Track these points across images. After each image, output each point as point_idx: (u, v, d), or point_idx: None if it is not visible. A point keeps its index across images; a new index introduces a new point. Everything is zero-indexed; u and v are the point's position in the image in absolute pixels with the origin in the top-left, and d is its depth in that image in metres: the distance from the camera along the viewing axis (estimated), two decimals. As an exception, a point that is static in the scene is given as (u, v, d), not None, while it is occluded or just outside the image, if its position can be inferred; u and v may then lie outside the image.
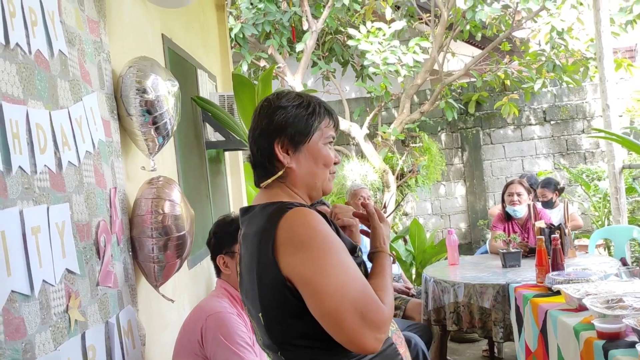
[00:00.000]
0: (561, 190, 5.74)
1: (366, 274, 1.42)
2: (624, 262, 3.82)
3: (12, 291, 1.26)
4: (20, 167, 1.36)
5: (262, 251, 1.31)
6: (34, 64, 1.50)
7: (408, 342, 3.25)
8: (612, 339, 2.01)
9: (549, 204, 5.41)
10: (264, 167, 1.42)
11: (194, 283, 2.99)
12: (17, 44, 1.42)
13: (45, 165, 1.49)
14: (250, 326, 2.14)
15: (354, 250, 1.39)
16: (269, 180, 1.42)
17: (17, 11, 1.44)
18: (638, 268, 2.87)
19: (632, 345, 1.90)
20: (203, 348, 2.06)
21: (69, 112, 1.67)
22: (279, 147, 1.39)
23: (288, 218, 1.29)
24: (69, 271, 1.54)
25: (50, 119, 1.55)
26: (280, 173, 1.39)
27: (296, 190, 1.42)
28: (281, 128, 1.39)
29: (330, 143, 1.45)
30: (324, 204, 3.88)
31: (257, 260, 1.32)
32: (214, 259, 2.33)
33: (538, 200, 5.41)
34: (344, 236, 1.40)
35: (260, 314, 1.37)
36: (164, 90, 2.13)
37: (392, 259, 1.48)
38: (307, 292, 1.26)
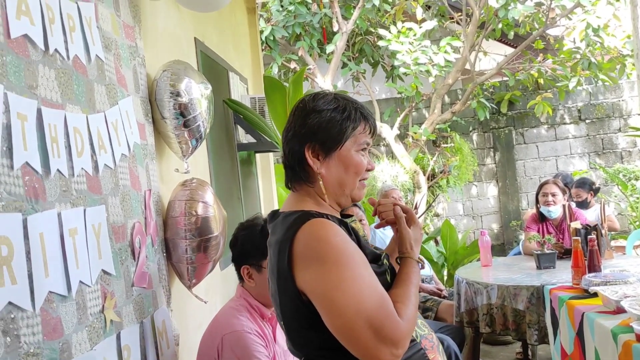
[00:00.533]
0: (596, 191, 5.61)
1: (392, 281, 1.39)
2: (663, 264, 3.72)
3: (50, 292, 1.29)
4: (58, 170, 1.40)
5: (280, 262, 1.31)
6: (72, 69, 1.53)
7: (440, 344, 3.23)
8: (652, 343, 1.96)
9: (583, 204, 5.30)
10: (293, 169, 1.40)
11: (226, 284, 3.02)
12: (56, 50, 1.45)
13: (82, 168, 1.52)
14: (269, 340, 2.11)
15: (377, 258, 1.36)
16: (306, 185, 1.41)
17: (56, 17, 1.47)
18: (678, 270, 2.80)
19: (673, 349, 1.85)
20: None
21: (105, 116, 1.70)
22: (310, 152, 1.36)
23: (304, 230, 1.27)
24: (104, 272, 1.57)
25: (87, 123, 1.59)
26: (320, 182, 1.37)
27: (324, 197, 1.39)
28: (313, 132, 1.36)
29: (364, 150, 1.40)
30: (356, 205, 3.89)
31: (277, 270, 1.32)
32: (238, 267, 2.21)
33: (572, 201, 5.30)
34: (365, 246, 1.36)
35: (282, 322, 1.38)
36: (197, 93, 2.15)
37: (420, 264, 1.43)
38: (321, 307, 1.25)
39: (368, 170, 1.42)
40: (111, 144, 1.72)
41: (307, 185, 1.39)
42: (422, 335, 1.39)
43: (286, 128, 1.42)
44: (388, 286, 1.34)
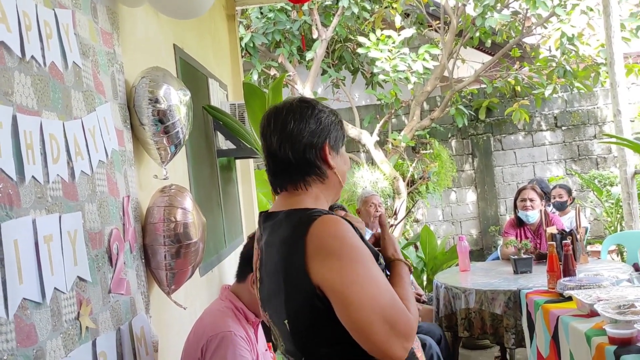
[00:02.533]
0: (573, 198, 5.71)
1: None
2: (636, 268, 3.80)
3: (24, 298, 1.28)
4: (33, 176, 1.39)
5: (290, 260, 1.32)
6: (48, 76, 1.53)
7: (423, 344, 3.25)
8: (624, 345, 2.00)
9: (563, 205, 5.37)
10: (310, 166, 1.41)
11: (206, 290, 3.01)
12: (32, 57, 1.45)
13: (58, 174, 1.52)
14: (254, 343, 2.12)
15: (377, 257, 1.41)
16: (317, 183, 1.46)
17: (33, 24, 1.47)
18: (650, 274, 2.86)
19: (643, 351, 1.89)
20: None
21: (82, 123, 1.70)
22: (328, 147, 1.43)
23: (317, 227, 1.30)
24: (80, 279, 1.56)
25: (64, 129, 1.58)
26: (337, 175, 1.45)
27: (325, 192, 1.45)
28: (329, 130, 1.44)
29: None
30: (343, 209, 3.91)
31: (283, 269, 1.34)
32: (249, 270, 2.15)
33: (550, 202, 5.38)
34: (368, 244, 1.40)
35: (285, 321, 1.37)
36: (176, 99, 2.16)
37: (407, 267, 1.49)
38: (338, 302, 1.27)
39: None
40: (88, 151, 1.71)
41: (320, 181, 1.43)
42: None
43: (297, 129, 1.41)
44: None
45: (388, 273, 1.49)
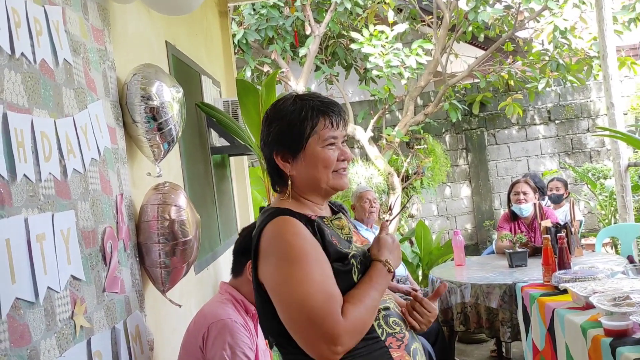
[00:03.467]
0: (568, 192, 5.73)
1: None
2: (631, 260, 3.81)
3: (17, 298, 1.27)
4: (25, 175, 1.38)
5: (252, 256, 1.43)
6: (39, 73, 1.51)
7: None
8: (620, 336, 2.01)
9: (559, 198, 5.38)
10: (271, 175, 1.51)
11: (201, 288, 3.01)
12: (22, 54, 1.43)
13: (50, 173, 1.50)
14: (253, 335, 2.15)
15: (344, 258, 1.41)
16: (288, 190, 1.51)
17: (22, 21, 1.45)
18: (645, 265, 2.86)
19: (639, 342, 1.89)
20: (204, 354, 2.06)
21: (74, 120, 1.68)
22: (279, 157, 1.46)
23: (269, 227, 1.38)
24: (74, 278, 1.55)
25: (56, 127, 1.57)
26: (289, 183, 1.47)
27: (303, 194, 1.48)
28: (277, 139, 1.45)
29: (332, 144, 1.45)
30: (342, 208, 3.91)
31: (252, 263, 1.44)
32: (245, 261, 2.22)
33: (545, 195, 5.39)
34: (330, 245, 1.41)
35: (257, 310, 1.50)
36: (169, 96, 2.14)
37: (385, 268, 1.45)
38: (273, 300, 1.37)
39: (342, 160, 1.48)
40: (80, 149, 1.70)
41: (287, 186, 1.48)
42: (389, 334, 1.42)
43: (260, 138, 1.53)
44: (352, 285, 1.40)
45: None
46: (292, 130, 1.44)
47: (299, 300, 1.30)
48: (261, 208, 1.57)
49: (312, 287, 1.31)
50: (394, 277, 1.54)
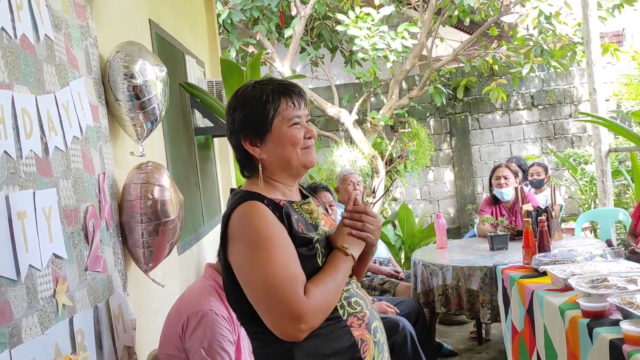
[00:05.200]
0: (549, 177, 5.79)
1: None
2: (609, 244, 3.87)
3: (-2, 275, 1.27)
4: (5, 152, 1.36)
5: (221, 237, 1.47)
6: (19, 49, 1.49)
7: (396, 326, 3.28)
8: (597, 318, 2.04)
9: (540, 183, 5.44)
10: (241, 162, 1.55)
11: (184, 268, 3.00)
12: (2, 28, 1.41)
13: (31, 150, 1.48)
14: (236, 324, 2.12)
15: (308, 242, 1.45)
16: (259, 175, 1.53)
17: (1, -5, 1.42)
18: (623, 249, 2.92)
19: (616, 323, 1.93)
20: (183, 343, 2.04)
21: (55, 97, 1.66)
22: (247, 143, 1.49)
23: (237, 211, 1.42)
24: (56, 256, 1.54)
25: (37, 104, 1.55)
26: (260, 168, 1.50)
27: (274, 177, 1.52)
28: (242, 126, 1.49)
29: (296, 124, 1.50)
30: (327, 189, 3.91)
31: (221, 245, 1.47)
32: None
33: (528, 180, 5.44)
34: (296, 230, 1.45)
35: (224, 290, 1.54)
36: (152, 75, 2.12)
37: (344, 255, 1.47)
38: (240, 281, 1.42)
39: (309, 138, 1.53)
40: (62, 126, 1.68)
41: (257, 171, 1.52)
42: (350, 313, 1.47)
43: (226, 127, 1.55)
44: (318, 269, 1.45)
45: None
46: (256, 114, 1.48)
47: (263, 281, 1.35)
48: (232, 190, 1.58)
49: (275, 268, 1.36)
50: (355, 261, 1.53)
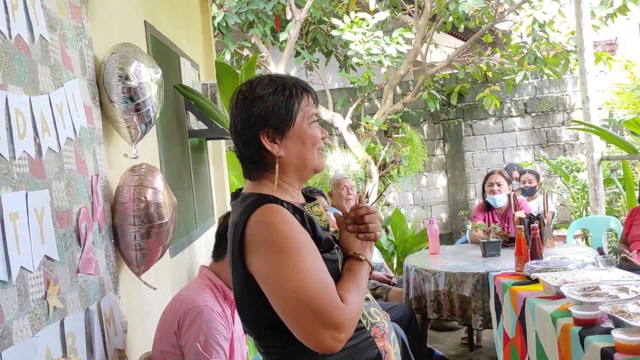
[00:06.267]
0: (540, 184, 5.81)
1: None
2: (601, 252, 3.89)
3: (-10, 277, 1.26)
4: (-2, 152, 1.35)
5: (234, 244, 1.33)
6: (14, 49, 1.48)
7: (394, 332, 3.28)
8: (589, 326, 2.05)
9: (532, 190, 5.46)
10: (252, 160, 1.39)
11: (176, 271, 2.99)
12: (-4, 28, 1.40)
13: (24, 151, 1.47)
14: (230, 322, 2.13)
15: (332, 247, 1.38)
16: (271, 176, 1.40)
17: (-3, -6, 1.42)
18: (614, 257, 2.93)
19: (607, 331, 1.94)
20: (179, 339, 2.05)
21: (49, 98, 1.65)
22: (265, 138, 1.36)
23: (255, 216, 1.30)
24: (48, 258, 1.53)
25: (30, 105, 1.53)
26: (276, 166, 1.37)
27: (284, 178, 1.40)
28: (263, 119, 1.36)
29: (314, 122, 1.42)
30: (322, 194, 3.91)
31: (231, 250, 1.36)
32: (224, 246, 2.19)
33: (523, 185, 5.46)
34: (320, 234, 1.37)
35: (235, 300, 1.41)
36: (147, 77, 2.11)
37: (359, 262, 1.40)
38: (266, 292, 1.29)
39: (322, 139, 1.43)
40: (56, 127, 1.67)
41: (269, 171, 1.39)
42: (373, 324, 1.40)
43: (233, 122, 1.41)
44: (339, 275, 1.36)
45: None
46: (279, 107, 1.36)
47: (296, 290, 1.24)
48: (236, 193, 1.47)
49: (307, 275, 1.25)
50: (372, 269, 1.49)
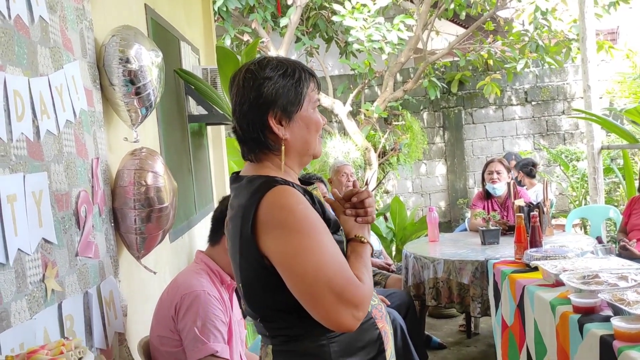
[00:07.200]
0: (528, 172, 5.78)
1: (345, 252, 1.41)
2: (599, 241, 3.89)
3: (-14, 259, 1.25)
4: (-4, 134, 1.34)
5: (243, 227, 1.31)
6: (13, 29, 1.46)
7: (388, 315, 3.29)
8: (588, 313, 2.05)
9: (531, 172, 5.45)
10: (257, 141, 1.37)
11: (176, 256, 2.99)
12: (-5, 8, 1.38)
13: (22, 133, 1.46)
14: (227, 307, 2.13)
15: (339, 228, 1.39)
16: (281, 157, 1.39)
17: (-5, -27, 1.40)
18: (613, 245, 2.93)
19: (606, 319, 1.94)
20: (176, 324, 2.05)
21: (49, 80, 1.63)
22: (273, 119, 1.35)
23: (269, 197, 1.28)
24: (46, 241, 1.52)
25: (29, 86, 1.52)
26: (282, 148, 1.36)
27: (287, 161, 1.39)
28: (272, 100, 1.34)
29: (316, 107, 1.43)
30: (321, 180, 3.90)
31: (239, 234, 1.33)
32: (222, 232, 2.17)
33: (518, 181, 5.46)
34: (329, 214, 1.38)
35: (240, 284, 1.40)
36: (148, 60, 2.09)
37: (362, 244, 1.42)
38: (283, 273, 1.28)
39: (323, 125, 1.45)
40: (55, 110, 1.66)
41: (273, 153, 1.38)
42: (373, 305, 1.42)
43: (238, 101, 1.38)
44: (345, 257, 1.36)
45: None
46: (288, 90, 1.35)
47: (315, 270, 1.24)
48: (236, 176, 1.44)
49: (326, 256, 1.26)
50: (373, 251, 1.50)
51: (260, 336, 1.48)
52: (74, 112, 1.78)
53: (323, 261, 1.25)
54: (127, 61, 2.02)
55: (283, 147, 1.37)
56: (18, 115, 1.45)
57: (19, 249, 1.38)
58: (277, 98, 1.35)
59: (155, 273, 2.31)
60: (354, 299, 1.26)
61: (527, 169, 5.66)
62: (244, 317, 2.41)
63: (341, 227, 1.42)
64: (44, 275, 1.50)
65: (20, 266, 1.39)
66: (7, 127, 1.39)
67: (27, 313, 1.40)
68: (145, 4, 2.81)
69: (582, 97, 5.78)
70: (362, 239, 1.42)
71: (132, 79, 2.04)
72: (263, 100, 1.35)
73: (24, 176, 1.44)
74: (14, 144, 1.42)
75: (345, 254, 1.37)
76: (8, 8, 1.44)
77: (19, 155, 1.44)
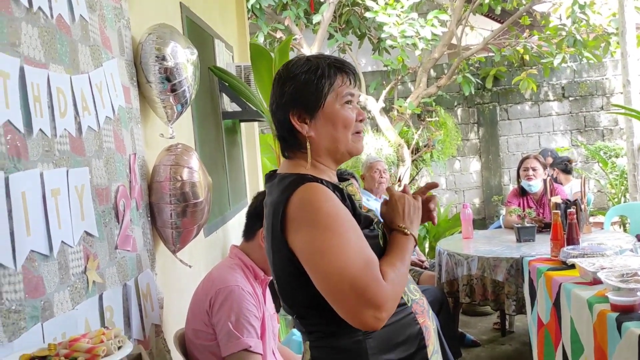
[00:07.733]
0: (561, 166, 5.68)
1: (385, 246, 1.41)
2: (639, 239, 3.80)
3: (32, 250, 1.29)
4: (41, 129, 1.38)
5: (274, 224, 1.33)
6: (55, 28, 1.51)
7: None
8: (626, 312, 2.01)
9: (566, 167, 5.35)
10: (285, 139, 1.42)
11: (210, 251, 3.03)
12: (39, 8, 1.43)
13: (65, 129, 1.51)
14: (261, 302, 2.15)
15: (370, 223, 1.39)
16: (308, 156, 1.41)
17: (39, -26, 1.44)
18: (654, 244, 2.86)
19: (645, 318, 1.90)
20: (211, 318, 2.07)
21: (89, 77, 1.68)
22: (295, 118, 1.37)
23: (297, 194, 1.30)
24: (87, 234, 1.57)
25: (71, 84, 1.57)
26: (308, 147, 1.38)
27: (319, 159, 1.41)
28: (293, 99, 1.37)
29: (349, 102, 1.40)
30: (353, 176, 3.90)
31: (271, 231, 1.35)
32: (258, 225, 2.18)
33: (554, 178, 5.36)
34: (360, 212, 1.38)
35: (274, 280, 1.42)
36: (183, 58, 2.13)
37: (404, 236, 1.40)
38: (309, 270, 1.29)
39: (360, 121, 1.42)
40: (95, 106, 1.70)
41: (302, 151, 1.40)
42: (413, 300, 1.41)
43: (270, 102, 1.44)
44: (381, 251, 1.37)
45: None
46: (309, 88, 1.36)
47: (339, 268, 1.24)
48: (271, 174, 1.48)
49: (350, 253, 1.26)
50: (416, 243, 1.49)
51: (292, 330, 1.49)
52: (113, 109, 1.83)
53: (349, 259, 1.25)
54: (163, 59, 2.07)
55: (308, 145, 1.38)
56: (61, 111, 1.49)
57: (62, 242, 1.42)
58: (297, 96, 1.37)
59: (190, 267, 2.35)
60: (375, 299, 1.24)
61: (562, 164, 5.56)
62: (277, 311, 2.43)
63: (375, 220, 1.42)
64: (85, 267, 1.54)
65: (64, 258, 1.43)
66: (52, 123, 1.44)
67: (69, 304, 1.44)
68: (180, 3, 2.86)
69: (621, 93, 5.64)
70: (405, 230, 1.40)
71: (168, 76, 2.08)
72: (285, 99, 1.38)
73: (67, 171, 1.49)
74: (57, 139, 1.46)
75: (381, 248, 1.37)
76: (50, 8, 1.49)
77: (62, 151, 1.48)
